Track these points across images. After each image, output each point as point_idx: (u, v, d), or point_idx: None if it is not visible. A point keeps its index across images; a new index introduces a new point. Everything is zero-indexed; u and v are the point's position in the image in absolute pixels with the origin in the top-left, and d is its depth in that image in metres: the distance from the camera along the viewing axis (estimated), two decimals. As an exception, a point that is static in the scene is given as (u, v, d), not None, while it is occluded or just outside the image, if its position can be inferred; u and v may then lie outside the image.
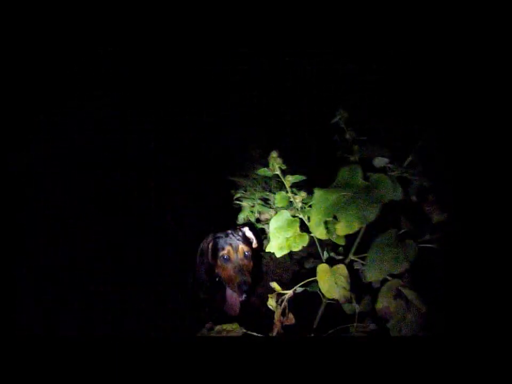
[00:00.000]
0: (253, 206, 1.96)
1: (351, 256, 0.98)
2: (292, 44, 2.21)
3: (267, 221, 1.96)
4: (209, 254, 1.46)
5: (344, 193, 0.87)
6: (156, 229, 1.81)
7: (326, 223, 0.90)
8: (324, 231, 0.91)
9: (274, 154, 1.01)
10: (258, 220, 1.99)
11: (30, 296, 1.57)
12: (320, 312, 1.02)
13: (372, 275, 0.85)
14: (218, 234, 1.47)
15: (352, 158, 1.00)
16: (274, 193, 1.96)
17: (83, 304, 1.54)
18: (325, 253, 1.06)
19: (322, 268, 0.94)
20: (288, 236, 0.99)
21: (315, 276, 0.94)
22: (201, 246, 1.50)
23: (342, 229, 0.85)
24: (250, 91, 2.34)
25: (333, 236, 0.92)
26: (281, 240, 1.00)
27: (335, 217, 0.86)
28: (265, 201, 2.03)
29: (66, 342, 0.98)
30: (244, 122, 2.23)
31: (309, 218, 0.99)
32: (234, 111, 2.29)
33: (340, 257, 1.04)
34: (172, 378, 0.86)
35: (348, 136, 1.04)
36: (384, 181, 0.86)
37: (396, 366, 0.81)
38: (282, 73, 2.35)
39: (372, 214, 0.81)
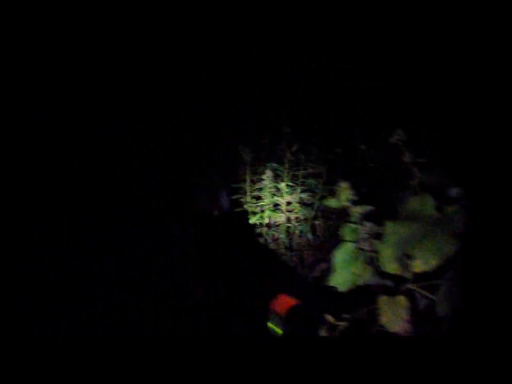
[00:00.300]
0: (262, 211, 1.96)
1: (410, 285, 0.93)
2: (291, 44, 2.21)
3: (278, 225, 1.96)
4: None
5: (417, 226, 0.82)
6: (158, 237, 1.81)
7: (399, 258, 0.85)
8: (397, 267, 0.87)
9: (344, 185, 0.97)
10: (269, 225, 1.99)
11: (29, 296, 1.56)
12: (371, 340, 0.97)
13: (445, 309, 0.80)
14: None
15: (412, 183, 0.94)
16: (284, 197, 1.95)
17: (83, 304, 1.54)
18: (375, 278, 0.99)
19: (383, 300, 0.89)
20: (354, 270, 0.95)
21: (359, 301, 0.91)
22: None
23: (418, 266, 0.80)
24: (250, 92, 2.33)
25: (407, 272, 0.87)
26: (347, 274, 0.95)
27: (407, 252, 0.81)
28: (275, 206, 2.02)
29: (66, 342, 0.98)
30: (244, 126, 2.23)
31: (375, 250, 0.94)
32: (234, 112, 2.28)
33: (389, 283, 0.98)
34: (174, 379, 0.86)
35: (407, 158, 0.98)
36: (461, 213, 0.81)
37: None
38: (282, 74, 2.35)
39: (450, 249, 0.76)
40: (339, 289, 0.95)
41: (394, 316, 0.86)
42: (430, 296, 0.87)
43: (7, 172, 1.95)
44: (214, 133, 2.21)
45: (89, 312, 1.52)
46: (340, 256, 0.96)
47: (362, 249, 0.95)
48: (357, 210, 0.96)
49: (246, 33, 2.23)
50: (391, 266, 0.88)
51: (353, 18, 2.12)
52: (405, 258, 0.84)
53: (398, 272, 0.88)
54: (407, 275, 0.90)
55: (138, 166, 2.06)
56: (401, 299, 0.88)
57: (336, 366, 0.84)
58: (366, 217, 0.98)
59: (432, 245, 0.79)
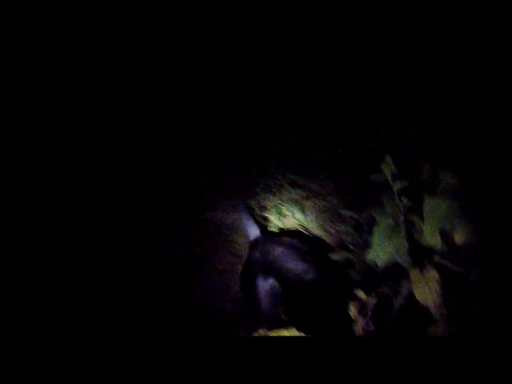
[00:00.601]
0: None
1: (437, 258, 0.94)
2: (291, 44, 2.21)
3: (268, 208, 1.96)
4: None
5: (455, 201, 0.85)
6: (158, 237, 1.81)
7: (440, 231, 0.88)
8: (438, 240, 0.89)
9: (388, 159, 0.98)
10: (260, 207, 1.98)
11: (29, 296, 1.57)
12: (395, 313, 0.98)
13: (477, 282, 0.83)
14: None
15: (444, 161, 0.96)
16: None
17: (83, 304, 1.55)
18: (411, 253, 0.99)
19: (415, 273, 0.91)
20: (394, 246, 0.96)
21: (391, 277, 0.93)
22: None
23: (461, 238, 0.83)
24: (250, 92, 2.34)
25: (446, 246, 0.89)
26: (388, 250, 0.96)
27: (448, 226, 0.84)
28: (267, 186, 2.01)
29: (66, 342, 0.98)
30: (244, 126, 2.23)
31: (412, 224, 0.95)
32: (234, 112, 2.28)
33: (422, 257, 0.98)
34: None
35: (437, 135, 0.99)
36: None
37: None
38: (282, 74, 2.35)
39: (487, 221, 0.80)
40: (378, 265, 0.97)
41: (426, 289, 0.88)
42: (462, 270, 0.89)
43: (7, 171, 1.95)
44: (214, 133, 2.21)
45: (89, 312, 1.52)
46: (379, 231, 0.97)
47: (399, 225, 0.97)
48: (398, 185, 0.97)
49: (246, 33, 2.23)
50: (433, 240, 0.90)
51: (353, 19, 2.12)
52: (446, 231, 0.87)
53: (439, 246, 0.90)
54: (445, 248, 0.91)
55: (138, 166, 2.06)
56: (431, 270, 0.90)
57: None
58: (403, 192, 0.99)
59: (471, 218, 0.82)
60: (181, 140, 2.17)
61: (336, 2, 2.16)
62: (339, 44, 2.16)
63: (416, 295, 0.89)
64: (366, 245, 1.03)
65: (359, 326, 0.95)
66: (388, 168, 0.98)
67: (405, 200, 0.98)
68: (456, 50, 1.90)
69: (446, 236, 0.88)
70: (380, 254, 0.96)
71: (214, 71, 2.34)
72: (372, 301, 0.97)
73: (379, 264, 0.97)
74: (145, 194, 1.96)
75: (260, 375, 0.84)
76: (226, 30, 2.23)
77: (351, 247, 1.61)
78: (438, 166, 0.96)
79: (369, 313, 0.95)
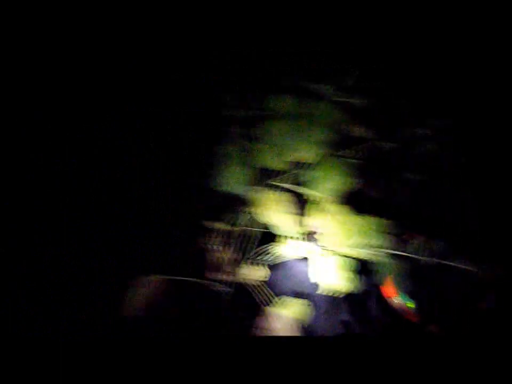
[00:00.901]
0: None
1: (280, 179, 0.97)
2: (291, 44, 2.21)
3: None
4: None
5: (292, 123, 0.90)
6: (158, 237, 1.81)
7: (281, 152, 0.92)
8: (279, 160, 0.92)
9: (229, 94, 1.01)
10: None
11: (29, 296, 1.57)
12: (251, 238, 1.00)
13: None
14: None
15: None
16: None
17: (83, 304, 1.55)
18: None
19: (265, 195, 0.94)
20: (239, 173, 0.99)
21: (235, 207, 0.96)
22: None
23: (299, 156, 0.87)
24: (250, 91, 2.34)
25: (289, 167, 0.93)
26: (234, 177, 0.99)
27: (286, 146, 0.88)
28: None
29: (66, 342, 0.98)
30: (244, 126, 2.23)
31: (255, 150, 0.98)
32: (234, 112, 2.28)
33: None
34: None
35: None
36: (327, 106, 0.90)
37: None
38: (282, 74, 2.35)
39: (328, 137, 0.85)
40: (227, 193, 1.00)
41: (270, 210, 0.91)
42: (305, 190, 0.92)
43: (7, 171, 1.95)
44: (214, 132, 2.21)
45: (89, 312, 1.52)
46: (225, 161, 1.00)
47: (243, 152, 1.01)
48: (240, 115, 1.01)
49: (246, 33, 2.24)
50: (272, 161, 0.94)
51: (353, 18, 2.13)
52: (284, 151, 0.91)
53: (282, 168, 0.94)
54: (288, 170, 0.96)
55: (138, 166, 2.06)
56: (284, 194, 0.93)
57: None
58: (245, 121, 1.04)
59: (309, 137, 0.87)
60: (181, 139, 2.17)
61: (336, 2, 2.16)
62: (339, 44, 2.16)
63: (263, 217, 0.92)
64: (211, 179, 1.04)
65: (221, 256, 0.97)
66: (230, 101, 1.02)
67: (246, 128, 1.01)
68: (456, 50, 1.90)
69: (287, 158, 0.92)
70: (228, 181, 0.99)
71: (214, 71, 2.34)
72: (226, 228, 0.99)
73: (227, 191, 0.99)
74: (145, 194, 1.96)
75: (259, 373, 0.84)
76: (226, 30, 2.23)
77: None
78: (277, 93, 1.00)
79: (229, 241, 0.97)
